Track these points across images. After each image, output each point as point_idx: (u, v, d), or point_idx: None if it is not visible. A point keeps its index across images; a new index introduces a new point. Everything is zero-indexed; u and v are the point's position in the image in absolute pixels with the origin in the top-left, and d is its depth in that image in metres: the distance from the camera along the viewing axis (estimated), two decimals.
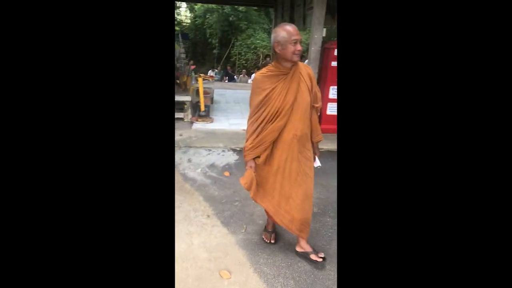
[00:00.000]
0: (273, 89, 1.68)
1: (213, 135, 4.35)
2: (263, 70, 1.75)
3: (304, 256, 1.98)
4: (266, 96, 1.68)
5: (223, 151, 3.84)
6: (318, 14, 4.34)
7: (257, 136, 1.75)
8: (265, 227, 2.21)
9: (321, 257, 1.93)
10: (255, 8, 14.63)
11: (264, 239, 2.14)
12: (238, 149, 3.89)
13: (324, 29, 4.49)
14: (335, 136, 3.98)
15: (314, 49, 4.47)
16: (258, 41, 14.33)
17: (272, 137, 1.75)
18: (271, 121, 1.72)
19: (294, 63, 1.71)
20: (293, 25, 1.65)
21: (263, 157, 1.80)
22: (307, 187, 1.84)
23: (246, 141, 1.80)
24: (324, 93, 4.58)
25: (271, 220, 2.10)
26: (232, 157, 3.66)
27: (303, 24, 5.38)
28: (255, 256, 2.01)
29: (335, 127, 4.45)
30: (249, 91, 1.81)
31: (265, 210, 2.07)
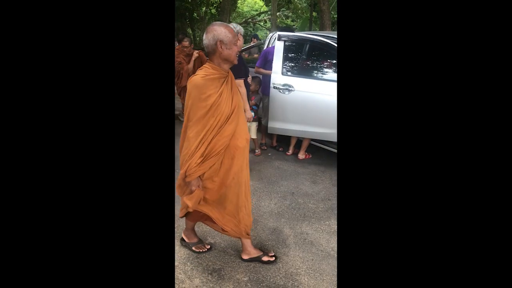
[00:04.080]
0: (220, 94, 1.53)
1: None
2: (201, 73, 1.55)
3: (256, 260, 1.92)
4: (214, 102, 1.50)
5: None
6: None
7: (205, 148, 1.54)
8: (187, 241, 2.00)
9: (272, 256, 1.95)
10: None
11: (199, 250, 1.97)
12: None
13: None
14: None
15: None
16: None
17: (223, 144, 1.58)
18: (220, 127, 1.55)
19: (232, 65, 1.61)
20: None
21: (211, 171, 1.62)
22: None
23: (190, 158, 1.54)
24: None
25: (214, 227, 1.90)
26: None
27: None
28: None
29: None
30: None
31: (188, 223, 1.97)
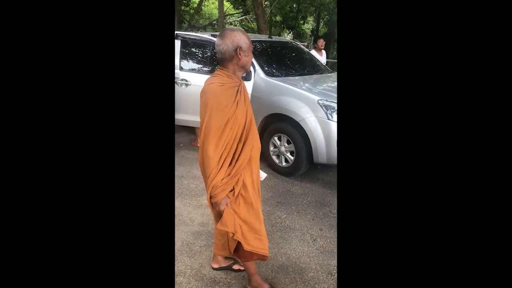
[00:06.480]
0: (237, 103, 1.40)
1: None
2: (216, 80, 1.38)
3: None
4: (232, 113, 1.37)
5: None
6: None
7: (229, 164, 1.41)
8: (221, 266, 1.90)
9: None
10: None
11: (240, 268, 1.89)
12: None
13: None
14: None
15: None
16: None
17: (247, 157, 1.46)
18: (239, 141, 1.43)
19: (245, 72, 1.51)
20: None
21: (237, 188, 1.46)
22: None
23: (214, 177, 1.37)
24: None
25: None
26: None
27: None
28: None
29: None
30: None
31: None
